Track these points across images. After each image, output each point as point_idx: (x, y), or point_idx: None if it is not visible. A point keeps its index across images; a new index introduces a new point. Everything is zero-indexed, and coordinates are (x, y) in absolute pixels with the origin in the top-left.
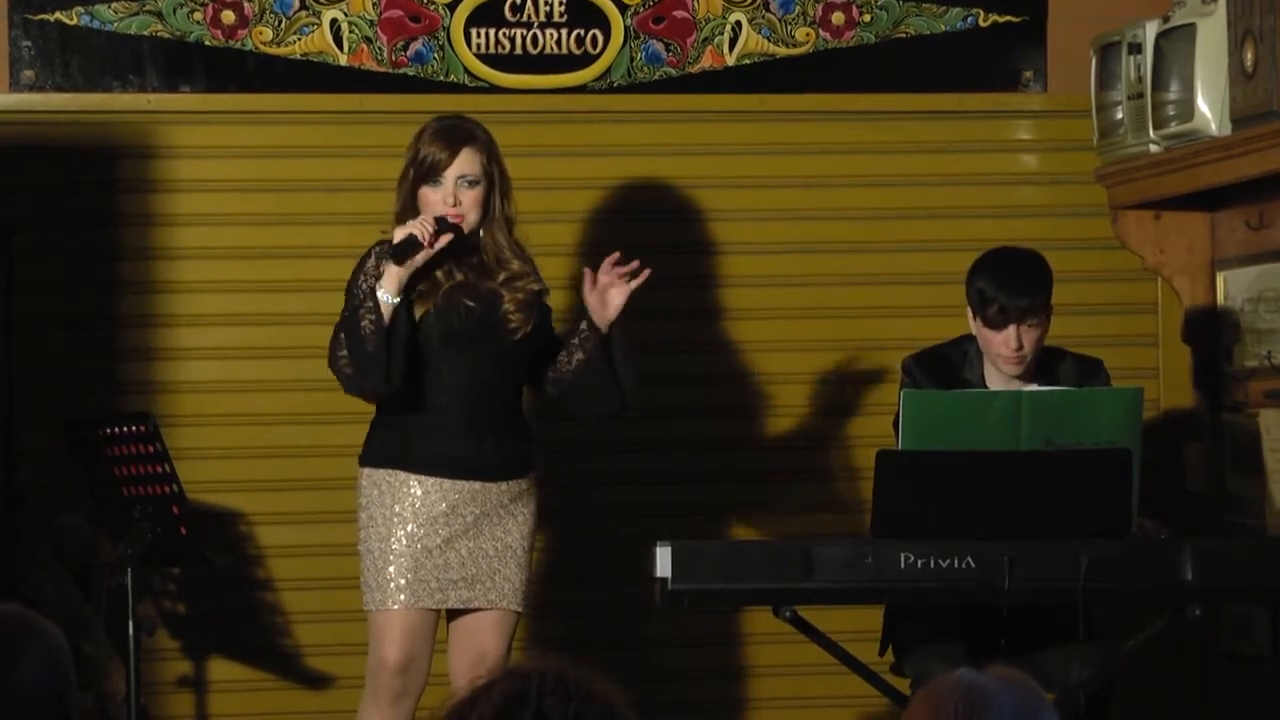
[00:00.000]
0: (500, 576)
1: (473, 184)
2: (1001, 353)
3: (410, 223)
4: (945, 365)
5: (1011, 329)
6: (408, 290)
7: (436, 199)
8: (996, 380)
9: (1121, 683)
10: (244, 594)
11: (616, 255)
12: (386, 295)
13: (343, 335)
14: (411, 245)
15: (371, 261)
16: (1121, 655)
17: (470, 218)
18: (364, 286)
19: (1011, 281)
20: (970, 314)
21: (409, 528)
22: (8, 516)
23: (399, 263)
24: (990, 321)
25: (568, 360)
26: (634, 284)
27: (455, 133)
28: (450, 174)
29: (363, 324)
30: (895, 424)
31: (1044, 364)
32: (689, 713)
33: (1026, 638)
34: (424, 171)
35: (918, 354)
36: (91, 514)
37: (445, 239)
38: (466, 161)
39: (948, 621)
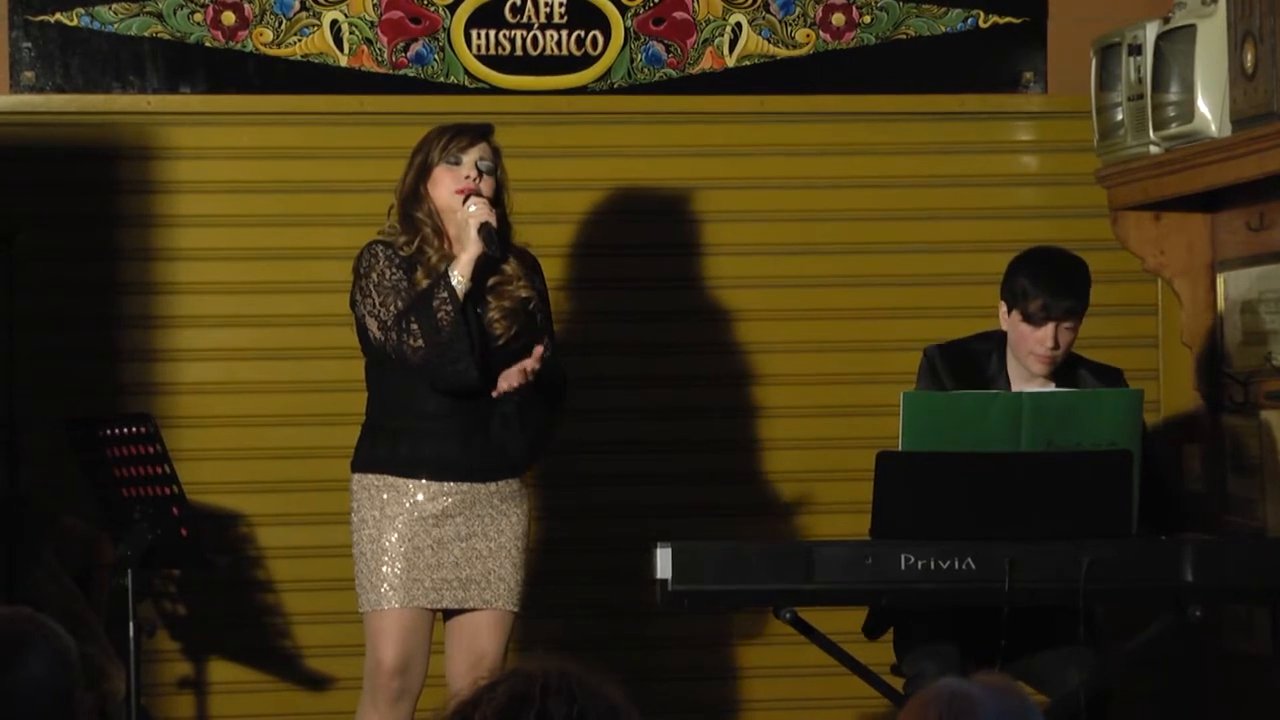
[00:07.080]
0: (495, 576)
1: (488, 172)
2: (1036, 350)
3: (474, 209)
4: (968, 359)
5: (1050, 327)
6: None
7: (452, 178)
8: (1020, 380)
9: (1121, 683)
10: (244, 595)
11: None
12: (460, 280)
13: (414, 324)
14: (491, 229)
15: (382, 253)
16: (1121, 656)
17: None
18: (392, 278)
19: (1057, 280)
20: (1004, 309)
21: (401, 529)
22: (9, 517)
23: (489, 246)
24: (1030, 317)
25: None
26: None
27: (471, 127)
28: (470, 155)
29: (439, 314)
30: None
31: (1063, 369)
32: (689, 713)
33: (1026, 639)
34: (439, 155)
35: (943, 344)
36: (92, 515)
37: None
38: (485, 150)
39: (946, 622)
